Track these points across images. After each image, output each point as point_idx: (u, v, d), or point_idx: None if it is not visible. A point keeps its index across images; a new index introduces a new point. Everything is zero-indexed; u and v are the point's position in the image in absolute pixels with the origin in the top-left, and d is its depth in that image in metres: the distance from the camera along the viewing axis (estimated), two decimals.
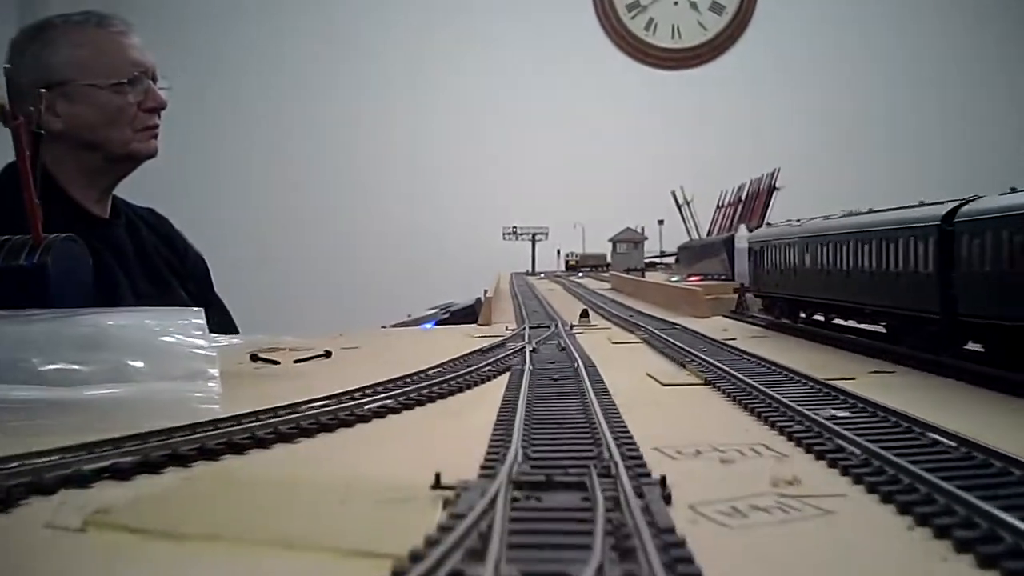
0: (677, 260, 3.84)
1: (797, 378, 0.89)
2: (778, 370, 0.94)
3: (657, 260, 4.30)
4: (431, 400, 0.85)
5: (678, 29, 5.68)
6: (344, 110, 5.22)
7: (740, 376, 0.89)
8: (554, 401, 0.79)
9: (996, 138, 5.04)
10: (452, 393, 0.89)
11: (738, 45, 5.58)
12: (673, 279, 3.14)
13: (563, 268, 4.80)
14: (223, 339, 1.23)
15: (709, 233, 3.48)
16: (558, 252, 4.75)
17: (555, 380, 0.91)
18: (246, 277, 5.08)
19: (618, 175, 5.31)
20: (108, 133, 1.77)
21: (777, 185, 2.98)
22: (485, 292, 2.22)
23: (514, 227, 4.37)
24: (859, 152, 5.12)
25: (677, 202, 3.44)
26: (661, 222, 4.22)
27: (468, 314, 2.94)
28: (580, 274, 4.08)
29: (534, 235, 4.36)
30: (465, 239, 5.10)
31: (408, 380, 0.92)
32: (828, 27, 5.43)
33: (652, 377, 0.98)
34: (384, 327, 3.35)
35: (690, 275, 3.28)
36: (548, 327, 1.52)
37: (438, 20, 5.31)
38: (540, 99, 5.33)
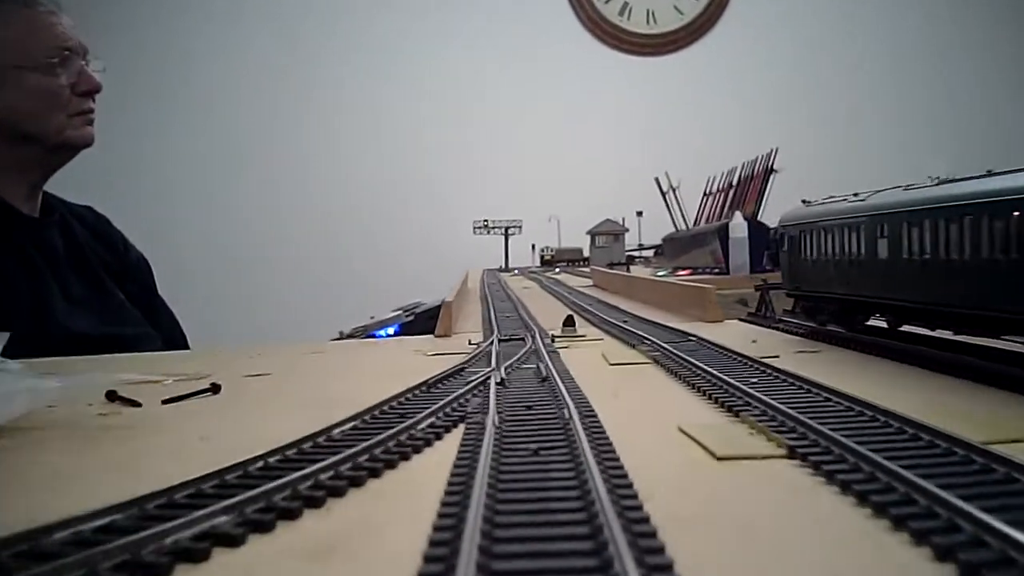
0: (660, 253, 3.46)
1: (968, 455, 0.48)
2: (912, 431, 0.54)
3: (635, 254, 3.92)
4: (311, 503, 0.46)
5: (653, 14, 5.31)
6: (299, 96, 4.80)
7: (853, 446, 0.49)
8: (536, 514, 0.40)
9: (992, 107, 4.70)
10: (355, 483, 0.50)
11: (717, 28, 5.21)
12: (659, 273, 2.76)
13: (538, 264, 4.42)
14: (52, 381, 0.83)
15: (696, 223, 3.10)
16: (532, 247, 4.37)
17: (536, 452, 0.52)
18: (201, 278, 4.69)
19: (594, 166, 4.94)
20: (40, 120, 1.63)
21: (775, 167, 2.60)
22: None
23: (485, 220, 3.97)
24: (851, 132, 4.75)
25: (661, 189, 3.06)
26: (640, 214, 3.84)
27: (434, 316, 2.55)
28: (557, 270, 3.70)
29: (507, 229, 3.97)
30: (432, 234, 4.70)
31: (290, 457, 0.53)
32: (809, 5, 5.06)
33: (694, 439, 0.59)
34: (340, 333, 2.96)
35: (677, 269, 2.90)
36: (523, 339, 1.14)
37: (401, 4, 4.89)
38: (510, 87, 4.94)
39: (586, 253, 4.70)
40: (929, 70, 4.93)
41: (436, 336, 1.36)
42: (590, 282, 2.65)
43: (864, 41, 4.96)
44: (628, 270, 2.83)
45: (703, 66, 5.10)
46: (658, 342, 1.06)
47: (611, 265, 2.88)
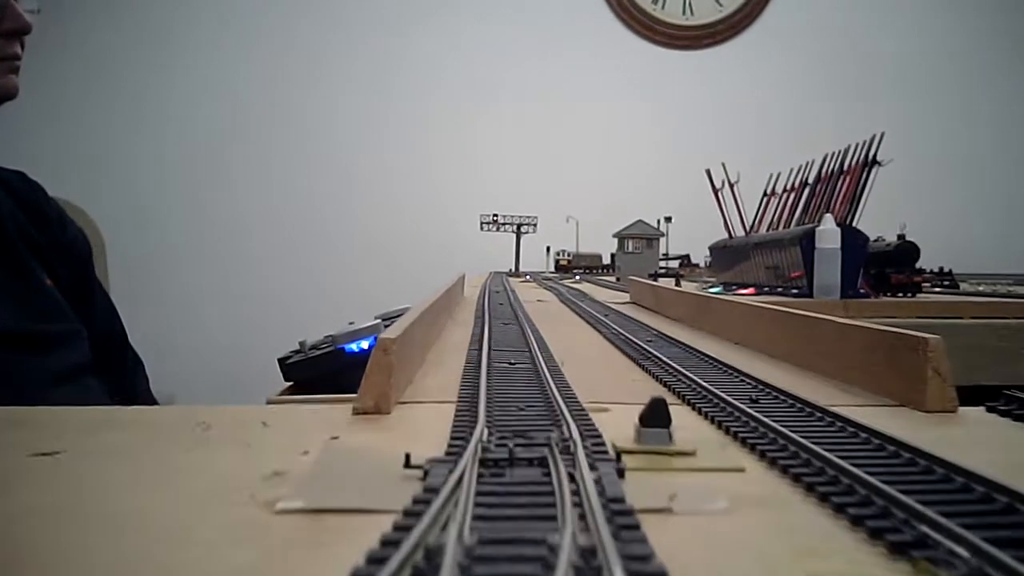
0: (708, 265, 2.69)
1: None
2: None
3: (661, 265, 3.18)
4: None
5: (690, 5, 4.52)
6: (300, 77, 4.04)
7: None
8: None
9: None
10: None
11: (759, 22, 4.41)
12: (712, 290, 1.99)
13: (553, 269, 3.66)
14: None
15: (753, 230, 2.33)
16: (547, 249, 3.61)
17: None
18: (184, 272, 3.96)
19: (617, 165, 4.17)
20: None
21: (880, 159, 1.84)
22: (388, 318, 1.10)
23: (494, 215, 3.21)
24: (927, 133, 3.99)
25: (713, 185, 2.29)
26: (669, 219, 3.08)
27: None
28: (577, 277, 2.93)
29: (519, 226, 3.21)
30: (433, 231, 3.94)
31: None
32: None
33: None
34: (300, 345, 2.21)
35: (732, 285, 2.14)
36: (542, 457, 0.39)
37: None
38: (528, 76, 4.17)
39: (606, 260, 3.98)
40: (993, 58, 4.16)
41: (355, 412, 0.60)
42: (624, 297, 1.89)
43: (929, 30, 4.18)
44: (679, 283, 2.06)
45: (742, 62, 4.32)
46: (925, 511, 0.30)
47: (654, 276, 2.11)
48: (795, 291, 1.85)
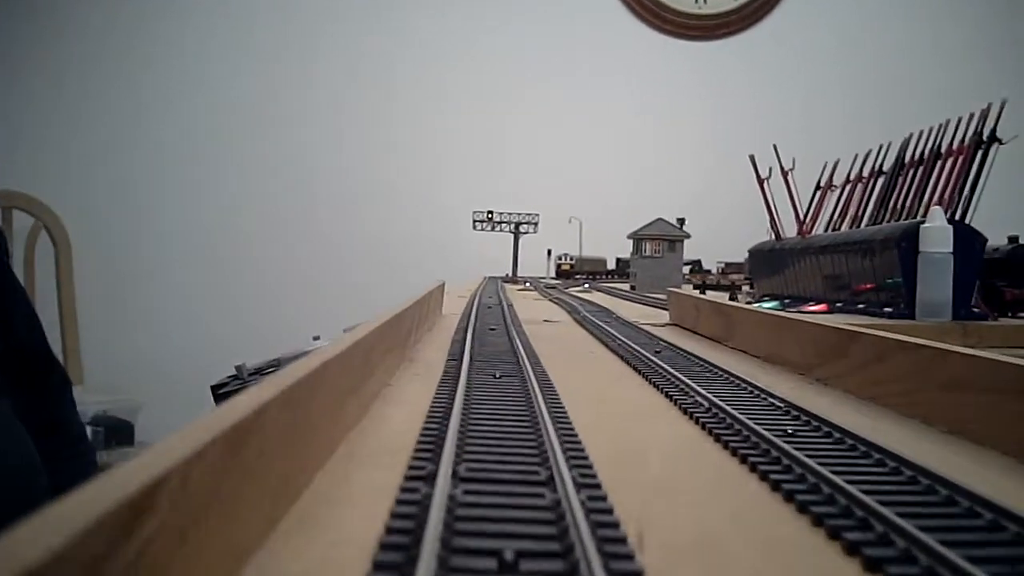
0: (748, 275, 2.16)
1: None
2: None
3: None
4: None
5: None
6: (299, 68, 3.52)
7: None
8: None
9: None
10: None
11: (777, 11, 3.87)
12: (766, 306, 1.46)
13: (554, 275, 3.14)
14: None
15: (806, 231, 1.79)
16: (548, 253, 3.09)
17: None
18: (174, 272, 3.45)
19: (623, 162, 3.65)
20: None
21: (1000, 136, 1.31)
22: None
23: (489, 212, 2.66)
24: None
25: (758, 174, 1.76)
26: (682, 222, 2.56)
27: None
28: (586, 285, 2.38)
29: (518, 225, 2.66)
30: (425, 231, 3.42)
31: None
32: None
33: None
34: (237, 368, 1.68)
35: (784, 299, 1.61)
36: None
37: None
38: (527, 66, 3.62)
39: (610, 265, 3.46)
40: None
41: None
42: (653, 314, 1.36)
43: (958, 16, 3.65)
44: (735, 298, 1.53)
45: (759, 54, 3.79)
46: None
47: (700, 287, 1.57)
48: (888, 310, 1.32)
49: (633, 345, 0.85)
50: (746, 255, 2.26)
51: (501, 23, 3.61)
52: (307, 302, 3.28)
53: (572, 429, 0.45)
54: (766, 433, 0.45)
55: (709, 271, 3.36)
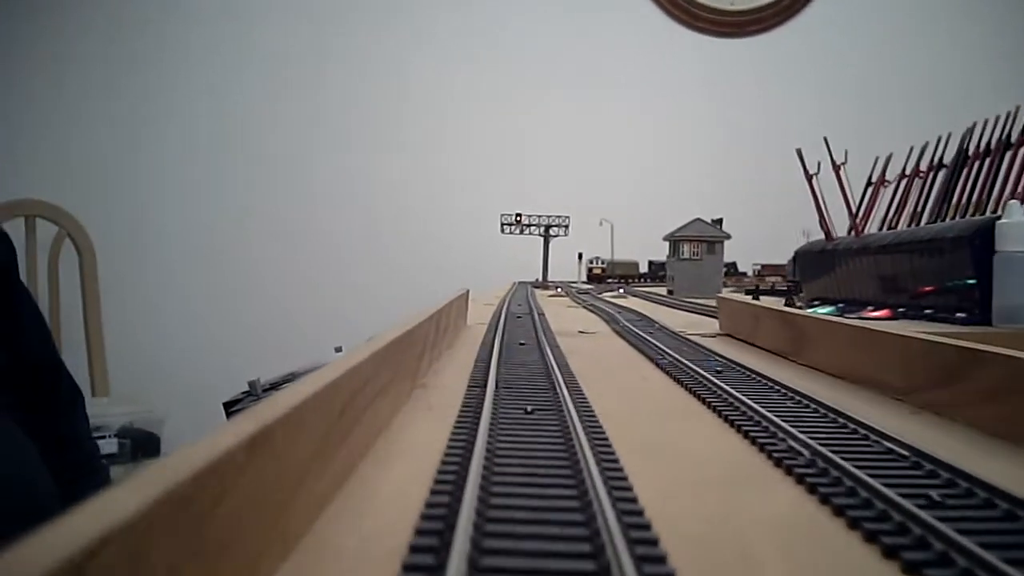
0: (795, 277, 2.00)
1: None
2: None
3: None
4: None
5: None
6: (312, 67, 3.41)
7: None
8: None
9: None
10: None
11: (812, 7, 3.70)
12: (822, 311, 1.31)
13: (585, 279, 3.01)
14: None
15: (859, 229, 1.64)
16: (579, 256, 2.95)
17: None
18: (189, 287, 3.37)
19: (657, 162, 3.50)
20: None
21: None
22: None
23: (517, 215, 2.52)
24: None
25: (806, 169, 1.61)
26: (719, 222, 2.41)
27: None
28: (620, 290, 2.23)
29: (547, 228, 2.52)
30: (451, 236, 3.30)
31: None
32: None
33: None
34: (251, 384, 1.55)
35: (838, 303, 1.46)
36: None
37: None
38: (552, 64, 3.49)
39: (642, 268, 3.32)
40: None
41: None
42: (698, 322, 1.22)
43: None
44: (792, 302, 1.38)
45: (793, 49, 3.62)
46: None
47: (753, 293, 1.42)
48: (961, 315, 1.17)
49: (688, 363, 0.71)
50: (790, 257, 2.11)
51: (528, 22, 3.48)
52: (334, 311, 3.17)
53: (636, 505, 0.32)
54: (904, 503, 0.32)
55: (745, 273, 3.21)
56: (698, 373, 0.66)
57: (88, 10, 3.36)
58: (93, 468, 1.10)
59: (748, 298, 1.23)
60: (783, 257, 3.57)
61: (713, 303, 1.29)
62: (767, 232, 2.93)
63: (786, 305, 1.19)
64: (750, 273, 3.43)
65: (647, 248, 3.22)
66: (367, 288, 3.24)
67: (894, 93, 3.44)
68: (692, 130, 3.56)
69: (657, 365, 0.76)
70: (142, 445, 3.00)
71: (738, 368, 0.69)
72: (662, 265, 3.45)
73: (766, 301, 1.32)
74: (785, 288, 1.30)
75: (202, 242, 3.35)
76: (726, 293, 1.04)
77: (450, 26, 3.44)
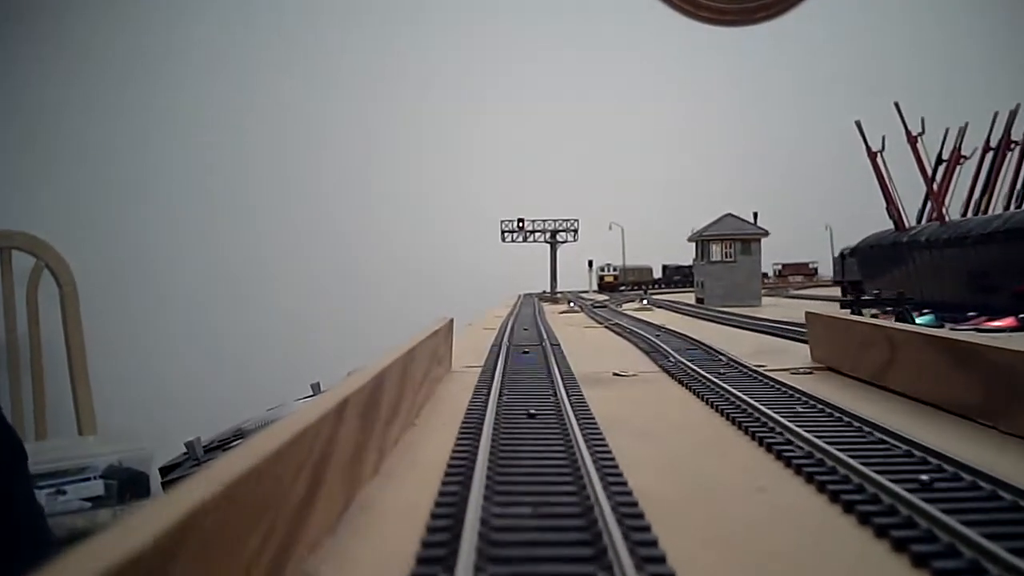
0: (844, 277, 1.65)
1: None
2: None
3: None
4: None
5: None
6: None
7: None
8: None
9: None
10: None
11: None
12: (919, 320, 0.97)
13: (595, 287, 2.67)
14: None
15: (926, 216, 1.29)
16: (590, 264, 2.61)
17: None
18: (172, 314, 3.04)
19: (667, 160, 3.16)
20: None
21: None
22: None
23: (520, 221, 2.16)
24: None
25: (868, 146, 1.26)
26: (753, 217, 2.05)
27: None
28: (644, 301, 1.86)
29: (554, 233, 2.16)
30: (453, 246, 2.96)
31: None
32: None
33: None
34: (188, 446, 1.19)
35: (922, 309, 1.11)
36: None
37: None
38: (554, 60, 3.15)
39: (656, 274, 2.99)
40: None
41: None
42: (770, 345, 0.88)
43: None
44: (904, 316, 1.04)
45: (800, 35, 3.27)
46: None
47: (854, 306, 1.06)
48: None
49: (834, 451, 0.37)
50: (836, 253, 1.76)
51: (529, 23, 3.14)
52: (316, 343, 2.84)
53: None
54: None
55: (766, 274, 2.87)
56: (879, 484, 0.32)
57: (65, 30, 3.05)
58: (35, 530, 1.03)
59: (846, 312, 0.88)
60: (806, 255, 3.23)
61: (756, 313, 0.95)
62: (787, 229, 2.61)
63: (897, 320, 0.85)
64: (771, 274, 3.09)
65: (660, 252, 2.89)
66: (354, 323, 2.90)
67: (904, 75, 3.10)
68: (704, 126, 3.22)
69: (779, 456, 0.41)
70: (130, 485, 2.69)
71: (940, 459, 0.34)
72: (677, 269, 3.11)
73: (864, 314, 0.97)
74: (893, 296, 0.97)
75: (191, 272, 3.02)
76: (820, 309, 0.70)
77: (448, 38, 3.11)
